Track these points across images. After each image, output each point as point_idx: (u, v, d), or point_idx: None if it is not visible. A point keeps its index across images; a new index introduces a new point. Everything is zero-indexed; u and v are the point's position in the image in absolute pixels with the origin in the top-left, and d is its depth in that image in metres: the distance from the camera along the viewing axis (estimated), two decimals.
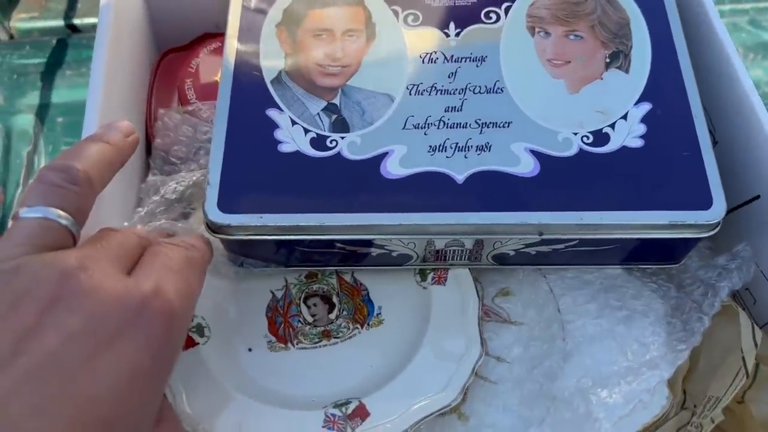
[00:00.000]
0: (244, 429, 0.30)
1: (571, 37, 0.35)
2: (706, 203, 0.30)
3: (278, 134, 0.32)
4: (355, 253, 0.33)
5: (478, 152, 0.32)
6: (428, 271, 0.35)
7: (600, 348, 0.33)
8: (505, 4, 0.36)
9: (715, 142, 0.35)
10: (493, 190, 0.31)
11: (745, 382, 0.31)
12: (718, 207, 0.30)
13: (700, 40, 0.36)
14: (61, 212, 0.24)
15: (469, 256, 0.33)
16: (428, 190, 0.31)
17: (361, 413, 0.30)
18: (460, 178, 0.31)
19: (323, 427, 0.30)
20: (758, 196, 0.33)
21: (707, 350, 0.33)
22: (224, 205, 0.30)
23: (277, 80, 0.34)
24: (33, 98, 0.53)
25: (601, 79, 0.34)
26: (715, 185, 0.31)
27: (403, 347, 0.32)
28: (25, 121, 0.52)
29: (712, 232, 0.31)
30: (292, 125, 0.32)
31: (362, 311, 0.34)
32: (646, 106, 0.33)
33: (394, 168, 0.31)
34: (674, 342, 0.32)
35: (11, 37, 0.57)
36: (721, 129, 0.36)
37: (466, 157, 0.32)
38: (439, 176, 0.31)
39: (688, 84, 0.33)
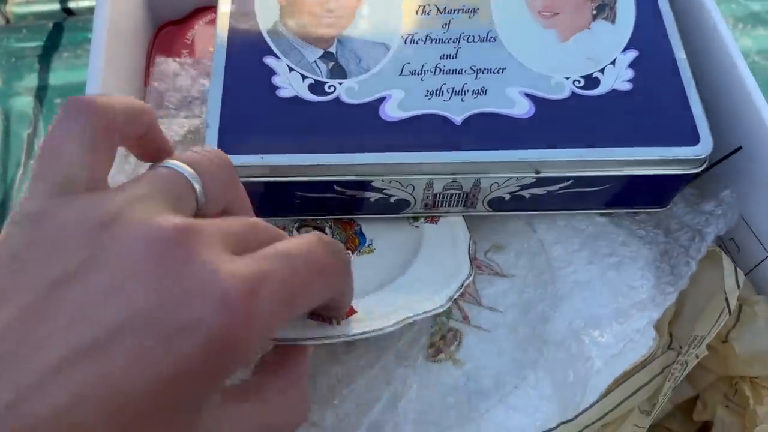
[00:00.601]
0: None
1: None
2: (693, 140, 0.31)
3: (276, 80, 0.33)
4: (353, 199, 0.33)
5: (474, 96, 0.33)
6: (421, 216, 0.35)
7: (591, 292, 0.33)
8: None
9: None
10: (490, 130, 0.32)
11: (729, 323, 0.32)
12: (705, 143, 0.31)
13: (686, 7, 0.37)
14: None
15: (465, 201, 0.34)
16: (427, 131, 0.32)
17: (348, 311, 0.31)
18: (457, 119, 0.32)
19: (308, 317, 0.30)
20: (740, 148, 0.34)
21: (693, 294, 0.33)
22: (224, 146, 0.31)
23: (274, 30, 0.34)
24: (31, 81, 0.54)
25: (589, 29, 0.35)
26: (701, 123, 0.32)
27: (393, 269, 0.33)
28: (24, 103, 0.53)
29: (699, 169, 0.32)
30: (290, 72, 0.33)
31: (354, 241, 0.35)
32: (632, 53, 0.34)
33: (392, 111, 0.32)
34: (663, 285, 0.33)
35: (7, 21, 0.57)
36: (704, 86, 0.37)
37: (462, 100, 0.32)
38: (437, 118, 0.32)
39: (670, 32, 0.34)
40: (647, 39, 0.34)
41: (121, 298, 0.17)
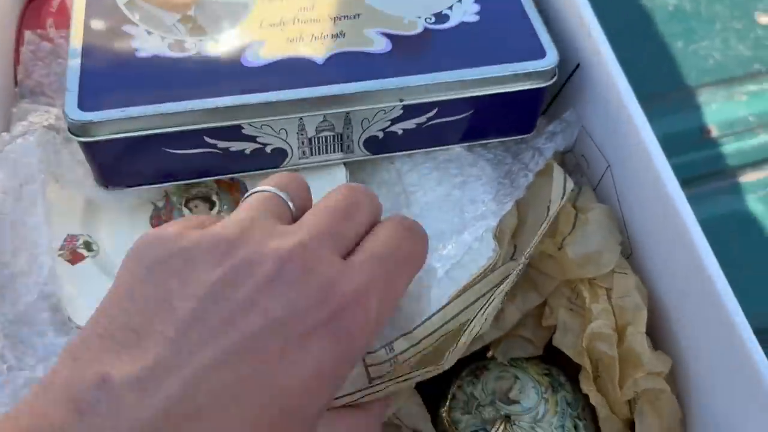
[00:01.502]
0: None
1: None
2: (541, 54, 0.34)
3: (135, 43, 0.33)
4: (228, 153, 0.33)
5: (334, 38, 0.34)
6: (302, 168, 0.35)
7: (439, 211, 0.34)
8: None
9: None
10: (352, 65, 0.33)
11: (566, 230, 0.33)
12: (551, 56, 0.34)
13: None
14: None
15: (342, 145, 0.34)
16: (291, 73, 0.32)
17: None
18: (319, 59, 0.33)
19: None
20: (578, 65, 0.37)
21: (533, 206, 0.34)
22: (85, 105, 0.30)
23: (130, 3, 0.34)
24: None
25: None
26: (545, 40, 0.34)
27: None
28: None
29: (550, 81, 0.34)
30: (148, 35, 0.33)
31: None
32: None
33: (254, 58, 0.33)
34: (502, 197, 0.34)
35: None
36: (544, 10, 0.39)
37: (323, 43, 0.33)
38: (300, 60, 0.33)
39: None
40: None
41: (258, 310, 0.19)
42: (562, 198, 0.32)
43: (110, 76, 0.31)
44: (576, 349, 0.32)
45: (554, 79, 0.34)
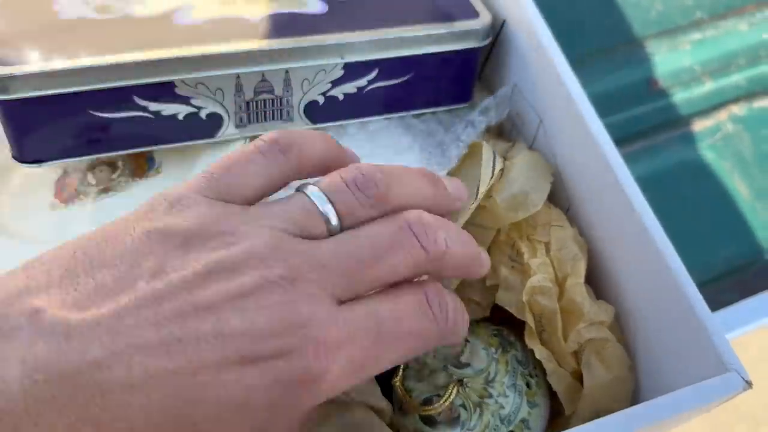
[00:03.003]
0: None
1: None
2: (474, 14, 0.35)
3: (56, 6, 0.31)
4: (160, 118, 0.31)
5: (268, 1, 0.33)
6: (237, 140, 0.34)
7: None
8: None
9: None
10: (289, 24, 0.32)
11: (491, 182, 0.33)
12: (484, 16, 0.35)
13: None
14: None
15: (281, 112, 0.33)
16: (225, 30, 0.31)
17: None
18: (255, 18, 0.32)
19: None
20: (504, 22, 0.37)
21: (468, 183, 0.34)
22: (3, 60, 0.28)
23: None
24: None
25: None
26: (477, 2, 0.35)
27: None
28: None
29: (485, 42, 0.35)
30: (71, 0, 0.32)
31: (143, 167, 0.33)
32: None
33: (187, 18, 0.32)
34: (434, 166, 0.34)
35: None
36: None
37: (256, 6, 0.33)
38: (234, 19, 0.32)
39: None
40: None
41: (215, 317, 0.18)
42: (491, 178, 0.32)
43: (29, 35, 0.29)
44: (518, 305, 0.31)
45: (489, 40, 0.35)
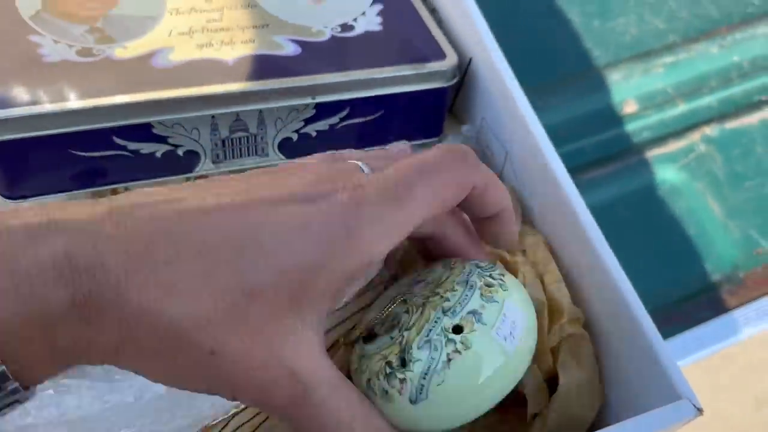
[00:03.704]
0: None
1: None
2: (441, 56, 0.36)
3: (42, 50, 0.33)
4: (139, 156, 0.33)
5: (244, 44, 0.35)
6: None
7: None
8: None
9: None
10: (263, 66, 0.34)
11: None
12: (451, 57, 0.36)
13: None
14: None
15: (256, 148, 0.35)
16: (201, 73, 0.33)
17: None
18: (230, 61, 0.34)
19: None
20: (470, 60, 0.39)
21: None
22: None
23: (36, 16, 0.34)
24: None
25: None
26: (444, 43, 0.37)
27: None
28: None
29: (453, 81, 0.36)
30: (56, 44, 0.33)
31: None
32: (378, 6, 0.39)
33: (164, 61, 0.33)
34: None
35: None
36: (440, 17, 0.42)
37: (232, 48, 0.34)
38: (209, 62, 0.33)
39: None
40: None
41: (296, 176, 0.23)
42: None
43: (15, 78, 0.31)
44: None
45: (456, 79, 0.37)
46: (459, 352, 0.23)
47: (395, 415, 0.23)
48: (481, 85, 0.38)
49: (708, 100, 0.58)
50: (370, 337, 0.25)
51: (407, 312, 0.25)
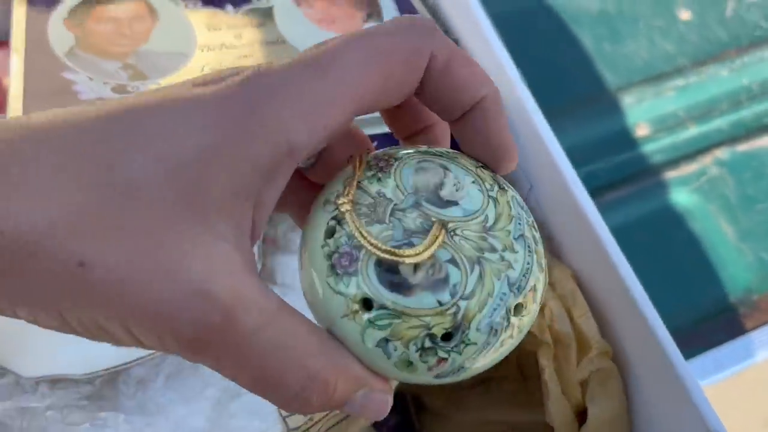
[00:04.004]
0: None
1: (333, 6, 0.42)
2: None
3: (77, 87, 0.33)
4: None
5: None
6: None
7: None
8: None
9: None
10: None
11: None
12: None
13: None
14: None
15: None
16: None
17: None
18: None
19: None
20: (530, 186, 0.39)
21: None
22: None
23: (70, 53, 0.35)
24: None
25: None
26: None
27: None
28: None
29: None
30: (90, 81, 0.34)
31: None
32: None
33: None
34: None
35: None
36: None
37: None
38: None
39: None
40: None
41: None
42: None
43: None
44: (539, 326, 0.33)
45: None
46: (512, 338, 0.19)
47: (390, 373, 0.18)
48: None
49: (719, 123, 0.59)
50: (399, 284, 0.18)
51: (456, 265, 0.18)
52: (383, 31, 0.18)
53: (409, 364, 0.18)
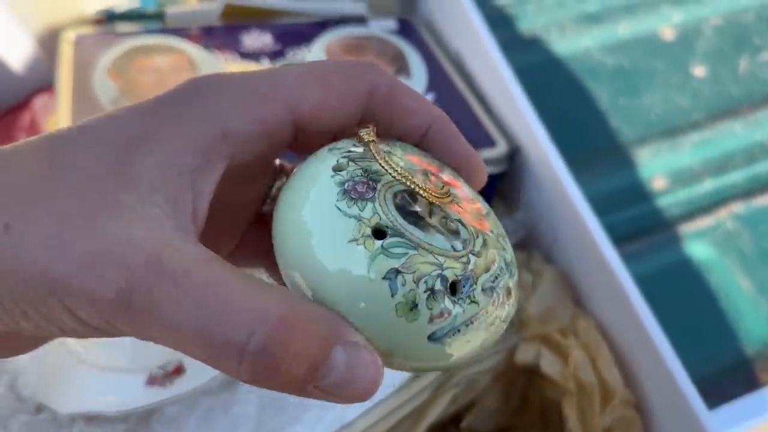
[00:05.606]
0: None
1: None
2: (492, 143, 0.38)
3: None
4: None
5: None
6: None
7: None
8: (306, 46, 0.44)
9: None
10: None
11: (529, 293, 0.36)
12: (502, 145, 0.38)
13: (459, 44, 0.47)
14: None
15: None
16: None
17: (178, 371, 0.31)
18: None
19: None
20: (517, 147, 0.41)
21: None
22: None
23: (115, 102, 0.37)
24: None
25: None
26: (493, 131, 0.39)
27: None
28: None
29: (503, 168, 0.38)
30: None
31: None
32: (431, 95, 0.41)
33: None
34: None
35: None
36: (487, 107, 0.44)
37: None
38: None
39: (454, 78, 0.43)
40: (439, 84, 0.42)
41: None
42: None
43: None
44: (563, 374, 0.33)
45: (505, 166, 0.39)
46: (502, 321, 0.18)
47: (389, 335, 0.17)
48: (528, 171, 0.40)
49: (734, 177, 0.60)
50: (423, 222, 0.17)
51: (465, 226, 0.18)
52: (325, 61, 0.19)
53: (413, 307, 0.16)
